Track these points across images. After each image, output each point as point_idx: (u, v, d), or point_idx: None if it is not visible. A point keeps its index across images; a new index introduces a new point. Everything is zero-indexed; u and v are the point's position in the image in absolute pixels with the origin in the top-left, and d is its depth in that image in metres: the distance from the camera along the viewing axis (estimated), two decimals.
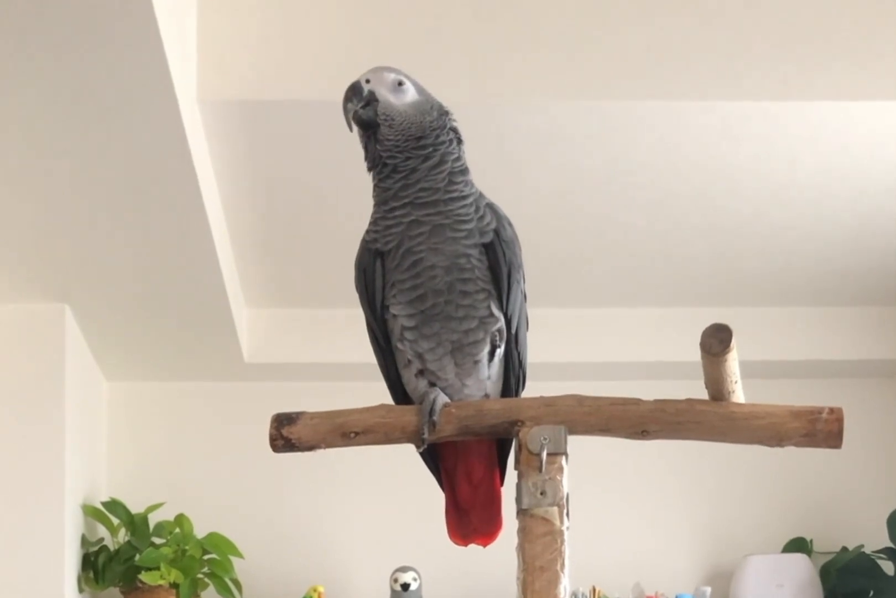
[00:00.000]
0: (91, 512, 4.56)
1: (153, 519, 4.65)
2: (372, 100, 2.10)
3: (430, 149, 2.10)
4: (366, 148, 2.14)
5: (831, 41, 3.53)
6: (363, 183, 2.20)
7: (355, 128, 2.12)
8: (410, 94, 2.12)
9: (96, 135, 3.20)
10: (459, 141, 2.15)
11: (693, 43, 3.53)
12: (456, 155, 2.13)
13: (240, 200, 4.05)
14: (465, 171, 2.14)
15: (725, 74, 3.52)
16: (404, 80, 2.12)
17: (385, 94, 2.10)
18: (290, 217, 4.20)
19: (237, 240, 4.29)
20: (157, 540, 4.62)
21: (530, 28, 3.53)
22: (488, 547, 2.22)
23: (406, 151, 2.09)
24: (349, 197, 3.89)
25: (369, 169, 2.14)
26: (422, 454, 2.14)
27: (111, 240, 3.82)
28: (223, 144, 3.69)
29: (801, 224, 4.30)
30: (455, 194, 2.09)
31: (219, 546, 4.64)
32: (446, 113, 2.15)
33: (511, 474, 2.04)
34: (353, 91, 2.10)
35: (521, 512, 1.94)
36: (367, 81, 2.11)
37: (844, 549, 4.90)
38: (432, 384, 2.10)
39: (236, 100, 3.52)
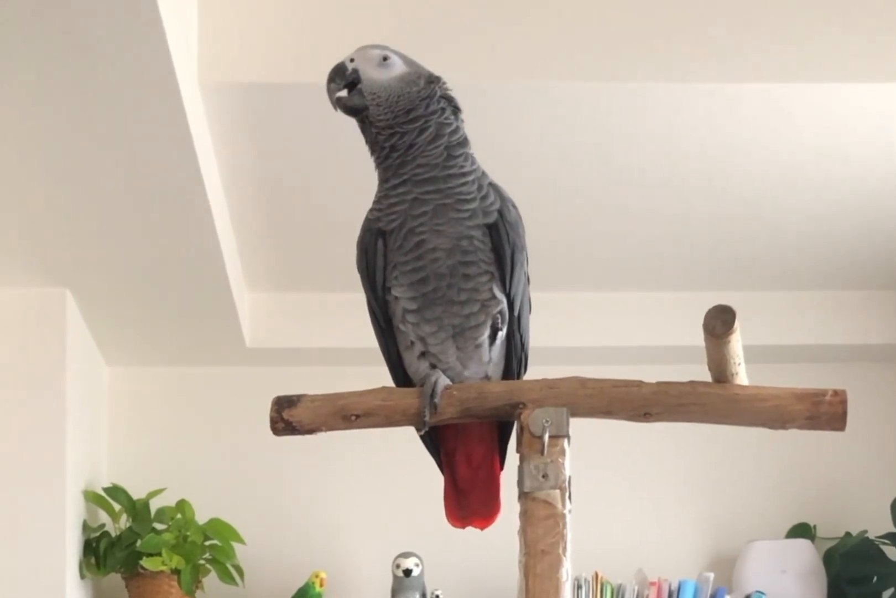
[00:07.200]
0: (92, 498, 4.56)
1: (154, 505, 4.64)
2: (356, 80, 2.08)
3: (423, 120, 2.07)
4: (363, 133, 2.12)
5: (835, 23, 3.52)
6: (365, 167, 2.18)
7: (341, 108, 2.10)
8: (397, 67, 2.10)
9: (96, 118, 3.19)
10: (456, 109, 2.13)
11: (695, 24, 3.52)
12: (453, 126, 2.10)
13: (242, 184, 4.03)
14: (463, 143, 2.11)
15: (728, 56, 3.51)
16: (389, 54, 2.10)
17: (369, 72, 2.08)
18: (293, 201, 4.19)
19: (239, 224, 4.27)
20: (159, 526, 4.61)
21: (530, 8, 3.51)
22: (490, 532, 2.22)
23: (399, 125, 2.07)
24: (352, 181, 3.87)
25: (372, 153, 2.12)
26: (422, 437, 2.13)
27: (112, 224, 3.81)
28: (225, 128, 3.68)
29: (804, 208, 4.29)
30: (454, 171, 2.07)
31: (220, 532, 4.63)
32: (436, 80, 2.11)
33: (512, 458, 2.03)
34: (336, 71, 2.09)
35: (523, 495, 1.93)
36: (352, 61, 2.09)
37: (848, 534, 4.89)
38: (434, 367, 2.09)
39: (238, 83, 3.50)
